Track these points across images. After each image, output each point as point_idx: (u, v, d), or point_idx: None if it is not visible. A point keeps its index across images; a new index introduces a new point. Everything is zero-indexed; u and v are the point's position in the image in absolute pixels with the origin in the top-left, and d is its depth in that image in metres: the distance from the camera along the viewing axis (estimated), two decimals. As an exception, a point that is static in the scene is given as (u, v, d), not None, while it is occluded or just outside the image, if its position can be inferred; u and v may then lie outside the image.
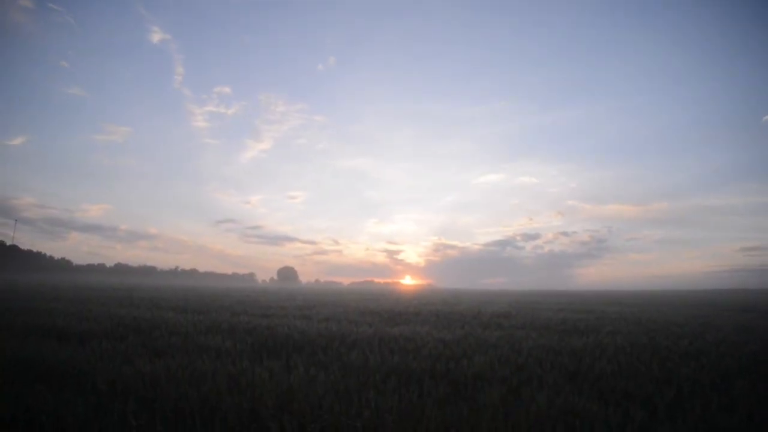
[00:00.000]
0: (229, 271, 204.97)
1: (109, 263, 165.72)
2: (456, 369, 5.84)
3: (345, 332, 9.14)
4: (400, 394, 4.48)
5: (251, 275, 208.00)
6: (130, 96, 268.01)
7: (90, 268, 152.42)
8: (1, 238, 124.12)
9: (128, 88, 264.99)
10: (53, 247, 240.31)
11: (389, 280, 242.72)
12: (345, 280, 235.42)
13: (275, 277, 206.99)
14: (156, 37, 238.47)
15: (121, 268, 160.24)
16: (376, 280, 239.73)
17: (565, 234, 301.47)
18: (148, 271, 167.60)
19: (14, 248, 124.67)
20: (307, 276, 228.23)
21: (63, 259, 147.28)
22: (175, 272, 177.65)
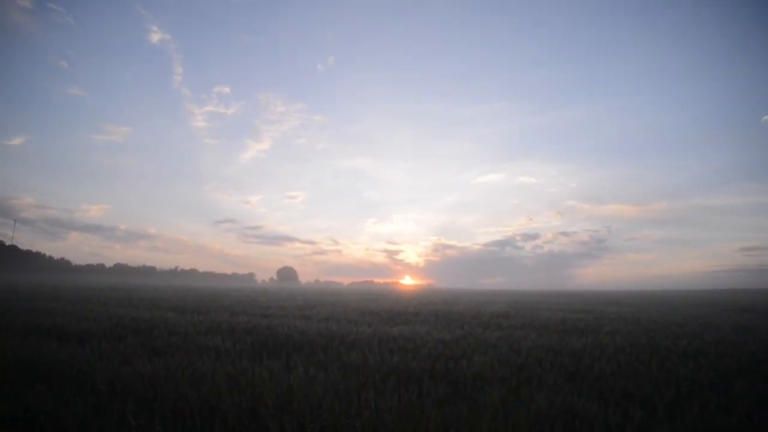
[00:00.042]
0: (229, 271, 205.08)
1: (109, 263, 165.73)
2: (455, 369, 5.84)
3: (344, 332, 9.14)
4: (399, 394, 4.48)
5: (251, 275, 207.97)
6: (129, 96, 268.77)
7: (89, 269, 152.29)
8: (0, 238, 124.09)
9: (128, 88, 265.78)
10: (53, 247, 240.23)
11: (389, 280, 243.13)
12: (344, 280, 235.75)
13: (275, 277, 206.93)
14: (155, 37, 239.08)
15: (120, 269, 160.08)
16: (376, 280, 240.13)
17: (564, 234, 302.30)
18: (148, 271, 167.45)
19: (13, 248, 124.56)
20: (306, 276, 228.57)
21: (62, 259, 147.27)
22: (174, 272, 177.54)
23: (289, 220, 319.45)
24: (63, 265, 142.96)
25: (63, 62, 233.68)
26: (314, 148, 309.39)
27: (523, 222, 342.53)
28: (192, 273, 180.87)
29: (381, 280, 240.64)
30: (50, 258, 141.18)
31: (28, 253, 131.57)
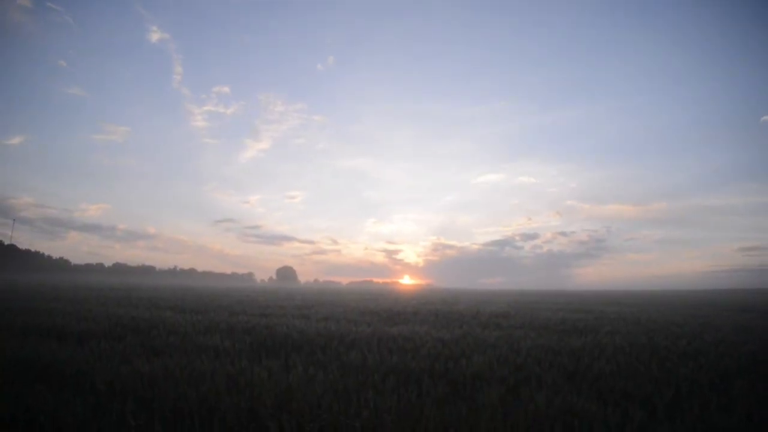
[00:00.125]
0: (228, 270, 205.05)
1: (108, 263, 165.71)
2: (455, 369, 5.84)
3: (344, 332, 9.13)
4: (398, 393, 4.47)
5: (250, 275, 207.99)
6: (129, 96, 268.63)
7: (89, 268, 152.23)
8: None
9: (127, 87, 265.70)
10: (52, 247, 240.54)
11: (388, 280, 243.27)
12: (344, 280, 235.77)
13: (274, 277, 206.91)
14: (155, 36, 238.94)
15: (119, 268, 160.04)
16: (375, 279, 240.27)
17: (563, 234, 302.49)
18: (147, 270, 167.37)
19: (12, 248, 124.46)
20: (305, 276, 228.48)
21: (61, 258, 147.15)
22: (173, 272, 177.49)
23: (289, 219, 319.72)
24: (62, 264, 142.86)
25: (62, 62, 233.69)
26: (314, 148, 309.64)
27: (522, 222, 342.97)
28: (191, 273, 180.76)
29: (380, 280, 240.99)
30: (49, 257, 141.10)
31: (27, 252, 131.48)
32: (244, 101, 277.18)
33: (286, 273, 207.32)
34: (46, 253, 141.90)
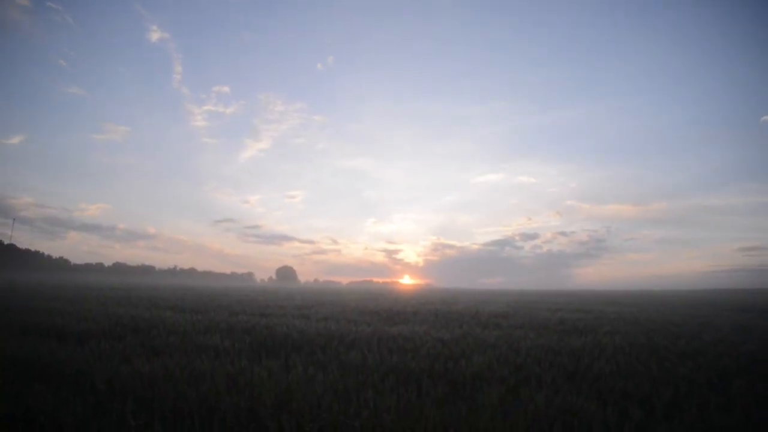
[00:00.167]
0: (228, 270, 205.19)
1: (108, 263, 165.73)
2: (454, 368, 5.85)
3: (343, 332, 9.14)
4: (398, 393, 4.48)
5: (250, 275, 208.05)
6: (128, 95, 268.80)
7: (88, 268, 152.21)
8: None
9: (127, 87, 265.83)
10: (51, 247, 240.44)
11: (388, 280, 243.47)
12: (344, 280, 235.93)
13: (274, 277, 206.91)
14: (155, 36, 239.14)
15: (119, 268, 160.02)
16: (375, 279, 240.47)
17: (563, 234, 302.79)
18: (147, 270, 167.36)
19: (12, 247, 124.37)
20: (305, 275, 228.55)
21: (61, 258, 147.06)
22: (173, 272, 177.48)
23: (289, 219, 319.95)
24: (62, 264, 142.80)
25: (62, 61, 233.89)
26: (314, 148, 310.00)
27: (522, 222, 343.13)
28: (191, 272, 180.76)
29: (380, 280, 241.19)
30: (49, 257, 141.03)
31: (27, 252, 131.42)
32: (244, 101, 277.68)
33: (285, 273, 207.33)
34: (46, 252, 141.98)
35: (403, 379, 5.40)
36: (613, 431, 3.88)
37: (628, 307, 23.20)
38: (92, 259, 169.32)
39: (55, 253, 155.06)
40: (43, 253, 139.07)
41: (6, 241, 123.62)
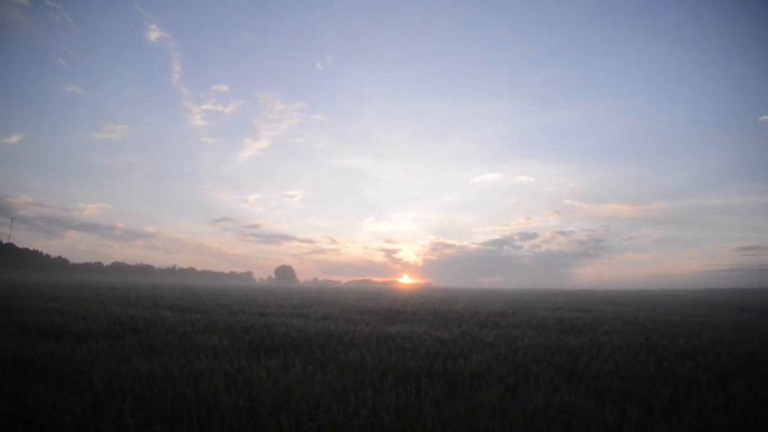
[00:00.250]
0: (227, 269, 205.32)
1: (106, 262, 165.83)
2: (453, 368, 5.85)
3: (342, 331, 9.14)
4: (397, 392, 4.48)
5: (249, 274, 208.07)
6: (127, 94, 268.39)
7: (87, 267, 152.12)
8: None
9: (126, 86, 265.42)
10: (50, 246, 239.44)
11: (387, 279, 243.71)
12: (343, 279, 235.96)
13: (273, 276, 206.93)
14: (154, 35, 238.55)
15: (118, 267, 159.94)
16: (374, 279, 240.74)
17: (562, 233, 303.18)
18: (146, 269, 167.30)
19: (11, 246, 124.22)
20: (304, 275, 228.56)
21: (60, 257, 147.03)
22: (172, 271, 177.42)
23: (288, 218, 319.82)
24: (60, 263, 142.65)
25: (61, 60, 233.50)
26: (313, 147, 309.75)
27: (521, 221, 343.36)
28: (190, 272, 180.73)
29: (379, 279, 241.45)
30: (47, 256, 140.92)
31: (26, 251, 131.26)
32: (243, 100, 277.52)
33: (284, 272, 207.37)
34: (45, 251, 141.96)
35: (402, 378, 5.40)
36: (611, 431, 3.89)
37: (626, 307, 23.23)
38: (91, 259, 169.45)
39: (54, 253, 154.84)
40: (41, 253, 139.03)
41: (4, 241, 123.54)
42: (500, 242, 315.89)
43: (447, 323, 11.89)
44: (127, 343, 7.20)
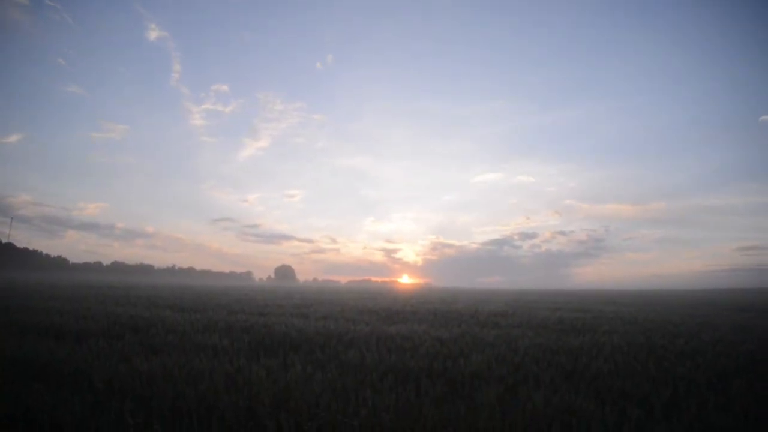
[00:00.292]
0: (227, 269, 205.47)
1: (106, 261, 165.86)
2: (453, 368, 5.85)
3: (342, 331, 9.13)
4: (397, 392, 4.47)
5: (248, 274, 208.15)
6: (127, 94, 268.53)
7: (87, 267, 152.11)
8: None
9: (126, 85, 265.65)
10: (50, 245, 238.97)
11: (387, 279, 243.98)
12: (342, 279, 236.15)
13: (273, 276, 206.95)
14: (153, 34, 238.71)
15: (118, 267, 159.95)
16: (374, 278, 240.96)
17: (562, 233, 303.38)
18: (145, 269, 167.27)
19: (10, 246, 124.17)
20: (304, 275, 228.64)
21: (59, 257, 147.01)
22: (172, 271, 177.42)
23: (288, 218, 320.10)
24: (60, 263, 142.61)
25: (61, 60, 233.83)
26: (313, 147, 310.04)
27: (521, 221, 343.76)
28: (190, 271, 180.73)
29: (379, 279, 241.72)
30: (47, 256, 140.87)
31: (25, 251, 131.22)
32: (243, 99, 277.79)
33: (284, 272, 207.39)
34: (44, 251, 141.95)
35: (402, 378, 5.39)
36: (611, 431, 3.89)
37: (626, 307, 23.23)
38: (91, 258, 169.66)
39: (54, 252, 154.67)
40: (41, 252, 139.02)
41: (4, 240, 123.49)
42: (500, 242, 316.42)
43: (447, 323, 11.89)
44: (127, 342, 7.20)
